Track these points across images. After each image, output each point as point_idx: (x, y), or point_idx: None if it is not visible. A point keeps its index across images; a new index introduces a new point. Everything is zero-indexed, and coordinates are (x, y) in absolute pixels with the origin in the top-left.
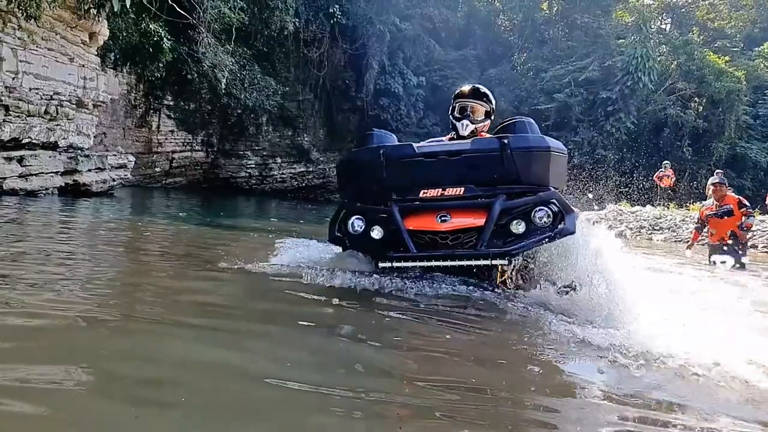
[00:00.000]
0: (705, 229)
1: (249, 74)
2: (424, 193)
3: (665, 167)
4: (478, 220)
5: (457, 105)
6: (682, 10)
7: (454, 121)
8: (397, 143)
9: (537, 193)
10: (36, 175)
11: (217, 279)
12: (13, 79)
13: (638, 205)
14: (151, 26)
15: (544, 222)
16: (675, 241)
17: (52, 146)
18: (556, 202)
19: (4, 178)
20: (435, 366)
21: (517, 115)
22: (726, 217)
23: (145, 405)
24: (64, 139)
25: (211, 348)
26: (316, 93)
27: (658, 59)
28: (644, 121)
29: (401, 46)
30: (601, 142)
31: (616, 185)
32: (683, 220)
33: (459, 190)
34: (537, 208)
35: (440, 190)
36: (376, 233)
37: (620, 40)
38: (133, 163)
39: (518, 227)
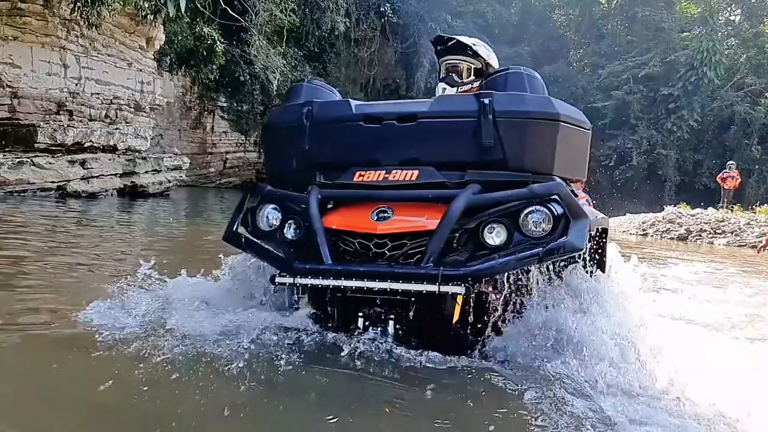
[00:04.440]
0: None
1: (300, 75)
2: (360, 175)
3: (730, 168)
4: (432, 221)
5: (442, 67)
6: (753, 0)
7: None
8: (331, 100)
9: (530, 185)
10: (97, 177)
11: None
12: (76, 84)
13: (699, 207)
14: (204, 30)
15: (542, 229)
16: (738, 246)
17: (112, 149)
18: (558, 199)
19: (69, 181)
20: None
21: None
22: None
23: None
24: (122, 142)
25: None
26: (367, 92)
27: (726, 53)
28: (709, 118)
29: None
30: (661, 141)
31: (676, 186)
32: (748, 224)
33: (411, 174)
34: (529, 209)
35: (383, 172)
36: (291, 231)
37: (684, 34)
38: (187, 164)
39: (494, 236)
